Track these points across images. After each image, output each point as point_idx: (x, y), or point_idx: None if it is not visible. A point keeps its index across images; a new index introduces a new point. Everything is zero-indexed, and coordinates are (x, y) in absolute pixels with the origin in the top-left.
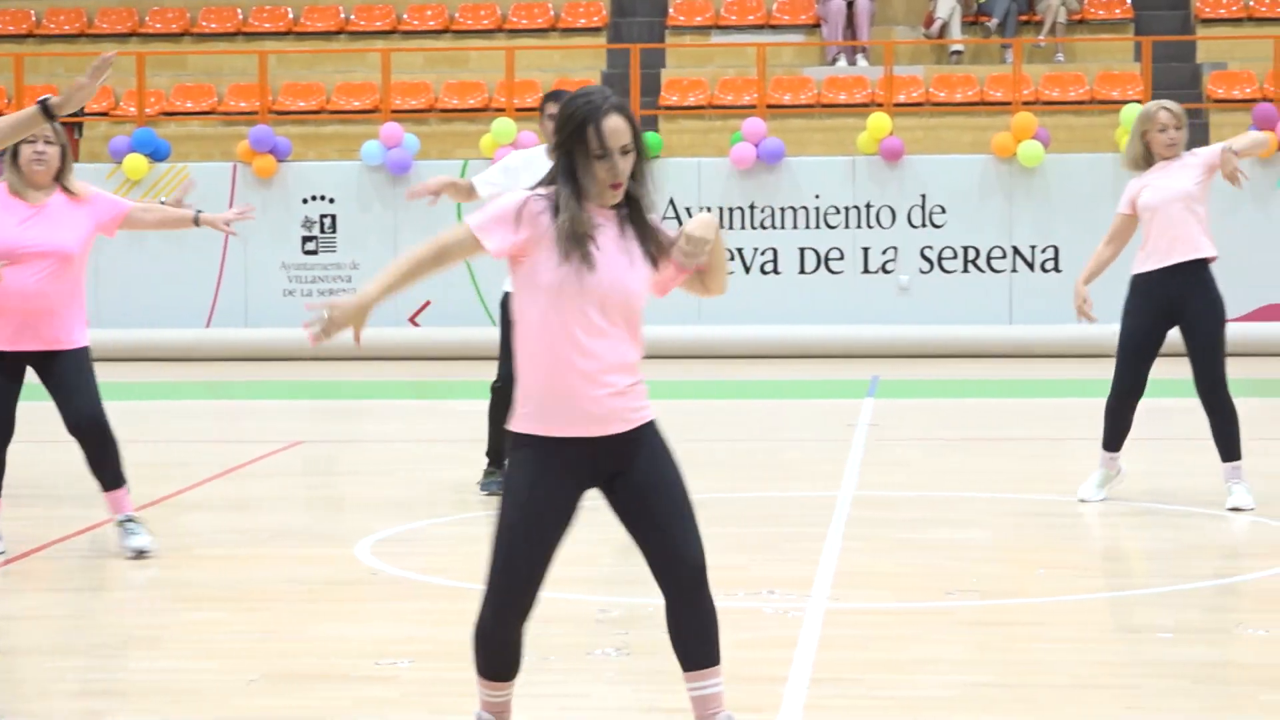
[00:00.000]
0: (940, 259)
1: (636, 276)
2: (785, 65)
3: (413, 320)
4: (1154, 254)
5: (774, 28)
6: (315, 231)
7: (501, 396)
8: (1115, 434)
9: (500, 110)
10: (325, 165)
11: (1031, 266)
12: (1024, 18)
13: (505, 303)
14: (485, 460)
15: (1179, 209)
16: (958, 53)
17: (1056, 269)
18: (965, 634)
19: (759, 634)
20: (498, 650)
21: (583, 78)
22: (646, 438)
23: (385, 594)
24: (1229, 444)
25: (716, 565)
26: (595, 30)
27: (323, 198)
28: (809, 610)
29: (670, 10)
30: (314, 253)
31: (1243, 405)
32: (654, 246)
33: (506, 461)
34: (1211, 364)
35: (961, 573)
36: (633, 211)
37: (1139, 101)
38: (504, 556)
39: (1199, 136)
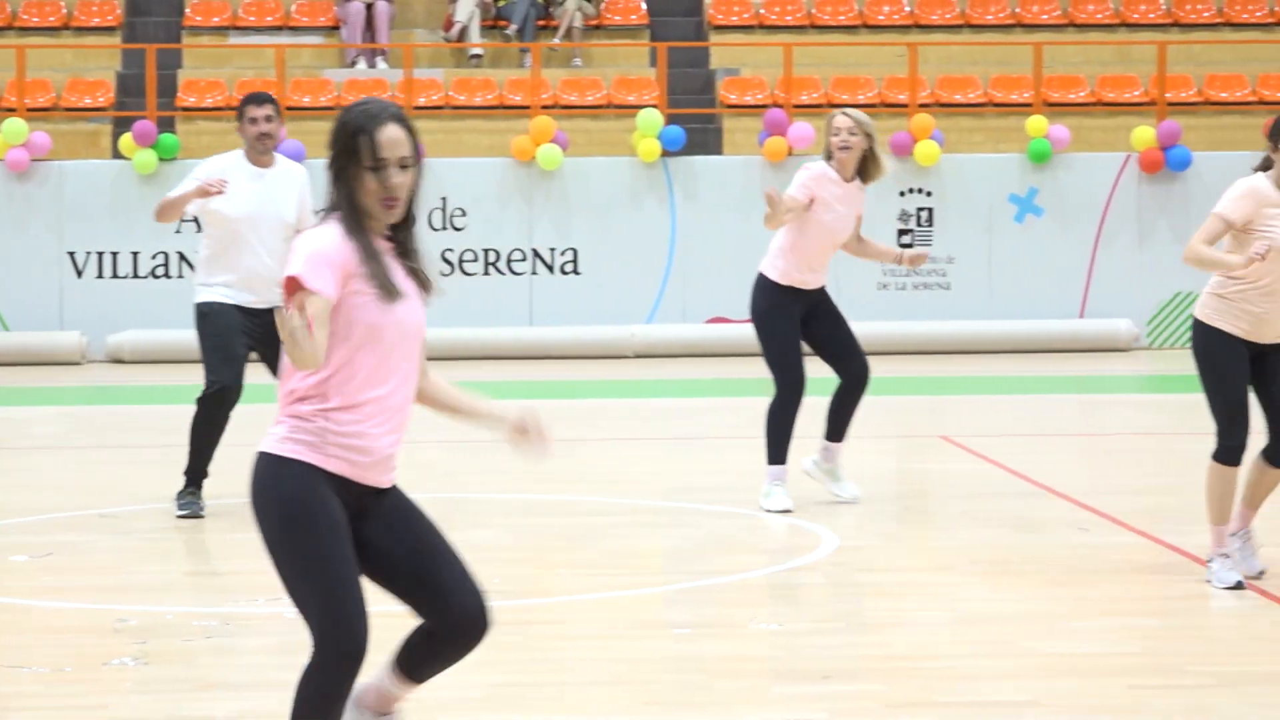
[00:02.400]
0: (461, 262)
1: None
2: (305, 67)
3: None
4: (818, 270)
5: (293, 29)
6: None
7: (208, 406)
8: (785, 443)
9: (11, 110)
10: None
11: (551, 269)
12: (542, 22)
13: (204, 312)
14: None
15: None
16: (477, 56)
17: (576, 271)
18: (489, 634)
19: (284, 639)
20: None
21: (97, 78)
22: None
23: None
24: (845, 426)
25: (242, 570)
26: (110, 30)
27: None
28: None
29: (187, 10)
30: None
31: (733, 404)
32: (423, 277)
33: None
34: (861, 351)
35: (482, 574)
36: (402, 235)
37: (654, 106)
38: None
39: (713, 141)
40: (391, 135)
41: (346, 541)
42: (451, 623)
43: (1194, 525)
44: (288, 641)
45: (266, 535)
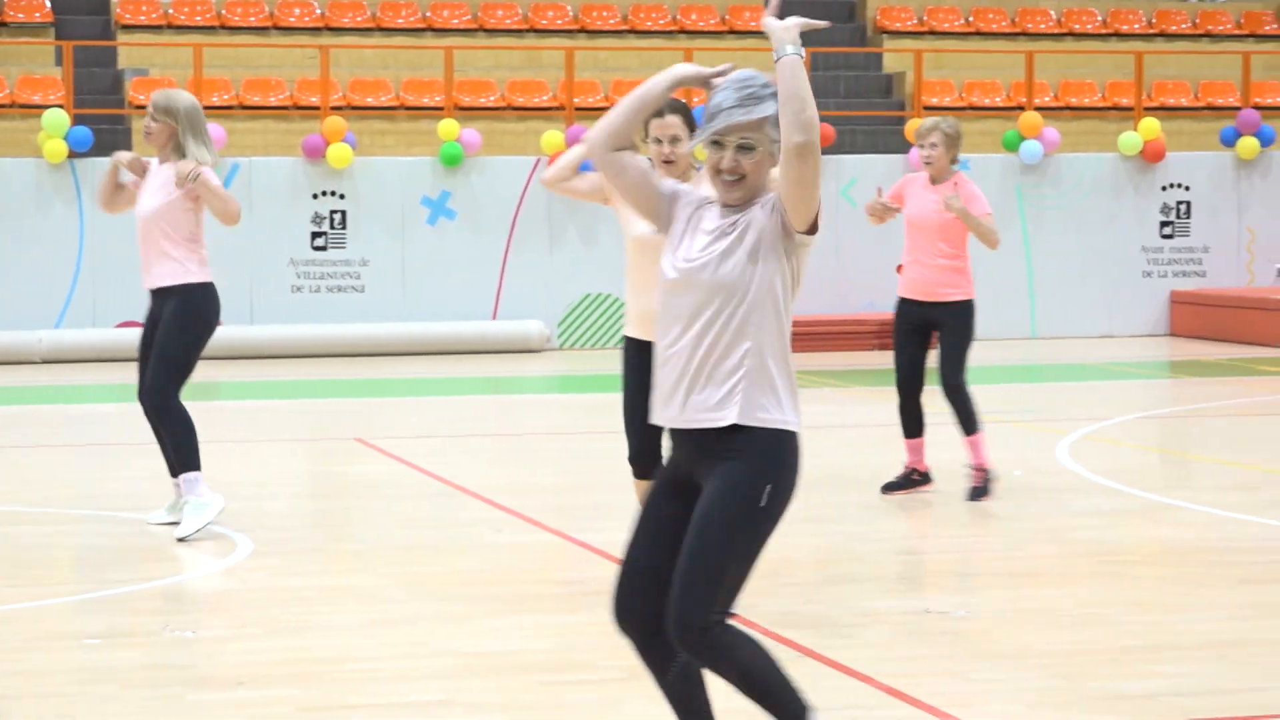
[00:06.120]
0: None
1: None
2: None
3: None
4: (146, 270)
5: None
6: None
7: None
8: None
9: None
10: None
11: None
12: None
13: None
14: None
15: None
16: None
17: None
18: None
19: None
20: None
21: None
22: None
23: None
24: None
25: None
26: None
27: None
28: None
29: None
30: None
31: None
32: None
33: None
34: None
35: None
36: None
37: (61, 107)
38: None
39: (122, 142)
40: None
41: None
42: None
43: (602, 522)
44: None
45: None
